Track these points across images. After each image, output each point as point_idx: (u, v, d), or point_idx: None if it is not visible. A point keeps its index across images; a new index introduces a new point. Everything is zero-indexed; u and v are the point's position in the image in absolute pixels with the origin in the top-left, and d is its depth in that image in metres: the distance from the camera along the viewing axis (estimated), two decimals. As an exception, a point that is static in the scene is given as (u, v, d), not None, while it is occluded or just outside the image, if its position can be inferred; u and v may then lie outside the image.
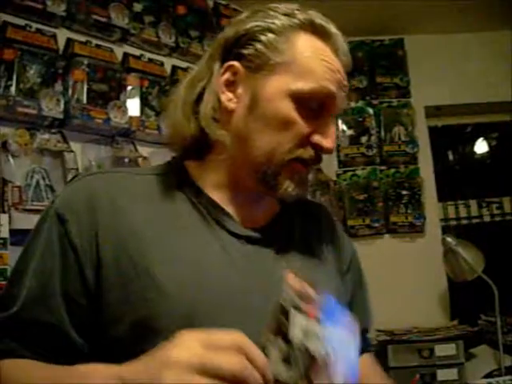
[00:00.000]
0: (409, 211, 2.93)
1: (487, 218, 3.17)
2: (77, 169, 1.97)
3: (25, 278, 0.90)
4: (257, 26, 0.96)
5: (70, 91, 1.99)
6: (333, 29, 0.97)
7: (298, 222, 1.09)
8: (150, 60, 2.29)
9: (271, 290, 0.89)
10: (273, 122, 0.93)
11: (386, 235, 2.97)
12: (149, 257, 0.89)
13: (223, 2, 2.65)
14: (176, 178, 1.00)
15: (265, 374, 0.70)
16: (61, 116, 1.92)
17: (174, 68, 2.38)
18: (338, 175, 2.97)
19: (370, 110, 3.00)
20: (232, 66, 0.97)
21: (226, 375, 0.68)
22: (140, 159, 2.14)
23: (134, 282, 0.87)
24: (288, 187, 0.95)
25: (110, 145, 2.09)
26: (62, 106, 1.92)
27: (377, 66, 3.03)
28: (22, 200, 1.80)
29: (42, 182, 1.89)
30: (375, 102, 3.02)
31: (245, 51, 0.96)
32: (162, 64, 2.33)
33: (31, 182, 1.87)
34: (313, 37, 0.96)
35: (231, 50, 0.98)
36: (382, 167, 2.99)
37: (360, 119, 2.98)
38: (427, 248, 2.89)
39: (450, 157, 3.36)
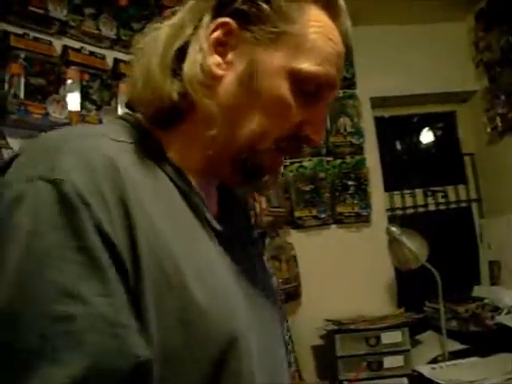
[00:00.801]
0: (355, 201, 2.96)
1: (432, 207, 3.23)
2: (15, 165, 1.92)
3: (70, 304, 0.61)
4: None
5: (7, 86, 1.93)
6: (343, 5, 0.86)
7: (237, 215, 1.00)
8: (91, 53, 2.24)
9: (256, 291, 0.88)
10: (267, 101, 0.79)
11: (333, 226, 2.99)
12: (180, 268, 0.71)
13: (166, -7, 2.61)
14: (152, 153, 0.80)
15: None
16: (-4, 113, 1.87)
17: (116, 61, 2.34)
18: (284, 166, 2.97)
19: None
20: (227, 23, 0.80)
21: None
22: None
23: (168, 298, 0.68)
24: (268, 181, 0.86)
25: (50, 140, 2.05)
26: (-2, 101, 1.87)
27: (321, 55, 3.02)
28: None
29: (-22, 179, 1.84)
30: (321, 93, 3.02)
31: (246, 8, 0.79)
32: (103, 57, 2.28)
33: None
34: (323, 11, 0.83)
35: (228, 4, 0.81)
36: (329, 158, 3.01)
37: (306, 110, 2.98)
38: (374, 237, 2.92)
39: (397, 147, 3.40)
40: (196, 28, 0.80)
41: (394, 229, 2.64)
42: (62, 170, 0.65)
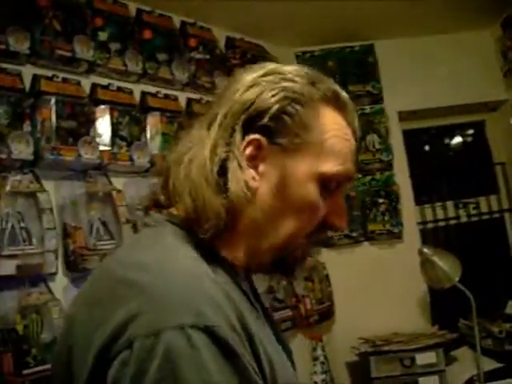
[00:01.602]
0: (386, 218, 2.96)
1: (464, 219, 3.20)
2: (51, 208, 1.97)
3: None
4: (285, 97, 0.88)
5: (39, 131, 1.98)
6: (349, 101, 0.94)
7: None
8: (119, 89, 2.28)
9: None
10: (300, 206, 0.88)
11: (365, 243, 3.00)
12: (275, 372, 0.80)
13: (190, 21, 2.63)
14: (219, 266, 0.87)
15: None
16: (31, 158, 1.91)
17: (144, 94, 2.38)
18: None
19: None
20: (257, 140, 0.88)
21: None
22: (114, 192, 2.14)
23: None
24: (300, 269, 0.95)
25: (83, 179, 2.09)
26: (31, 147, 1.91)
27: (348, 74, 3.02)
28: (-3, 246, 1.80)
29: (16, 225, 1.89)
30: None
31: (272, 124, 0.88)
32: (131, 92, 2.32)
33: (6, 226, 1.86)
34: (335, 111, 0.92)
35: (255, 121, 0.88)
36: (358, 175, 3.00)
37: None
38: (406, 254, 2.92)
39: (426, 159, 3.37)
40: (228, 144, 0.88)
41: (426, 250, 2.63)
42: (206, 316, 0.70)
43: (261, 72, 0.92)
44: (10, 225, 1.87)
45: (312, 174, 0.88)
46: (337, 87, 0.93)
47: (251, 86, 0.90)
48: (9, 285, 1.81)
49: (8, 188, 1.88)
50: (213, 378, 0.66)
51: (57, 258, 1.93)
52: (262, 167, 0.89)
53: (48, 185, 1.99)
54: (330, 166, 0.88)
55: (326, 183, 0.89)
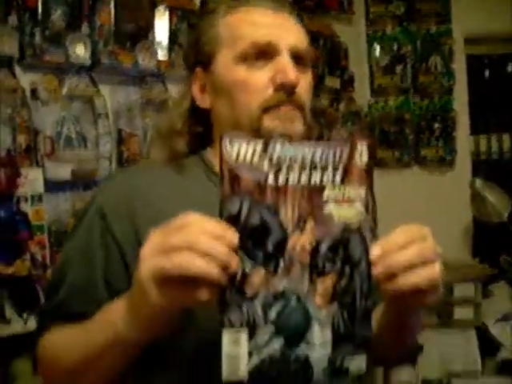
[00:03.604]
0: (440, 145, 2.89)
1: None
2: (106, 113, 1.97)
3: (68, 268, 0.98)
4: (194, 39, 1.11)
5: (97, 34, 1.94)
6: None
7: None
8: (179, -11, 2.19)
9: None
10: (237, 87, 1.03)
11: (415, 167, 2.96)
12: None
13: None
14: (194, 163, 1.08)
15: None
16: (88, 62, 1.89)
17: (203, -1, 2.29)
18: (369, 105, 2.92)
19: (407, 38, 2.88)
20: (195, 73, 1.09)
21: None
22: (170, 100, 2.12)
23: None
24: (271, 124, 1.01)
25: (139, 85, 2.07)
26: (89, 50, 1.89)
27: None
28: (54, 150, 1.82)
29: (72, 129, 1.90)
30: (413, 29, 2.89)
31: (198, 57, 1.09)
32: (191, -5, 2.23)
33: (62, 130, 1.87)
34: (234, 13, 1.07)
35: (193, 62, 1.11)
36: (415, 98, 2.92)
37: (395, 47, 2.86)
38: (456, 183, 2.88)
39: (486, 87, 3.23)
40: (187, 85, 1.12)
41: (478, 183, 2.59)
42: (100, 191, 1.06)
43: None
44: (65, 128, 1.88)
45: (229, 61, 1.04)
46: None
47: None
48: (63, 188, 1.84)
49: (65, 91, 1.88)
50: (76, 221, 1.06)
51: (110, 164, 1.95)
52: (207, 87, 1.08)
53: (104, 89, 1.98)
54: (238, 48, 1.03)
55: (251, 58, 1.03)
